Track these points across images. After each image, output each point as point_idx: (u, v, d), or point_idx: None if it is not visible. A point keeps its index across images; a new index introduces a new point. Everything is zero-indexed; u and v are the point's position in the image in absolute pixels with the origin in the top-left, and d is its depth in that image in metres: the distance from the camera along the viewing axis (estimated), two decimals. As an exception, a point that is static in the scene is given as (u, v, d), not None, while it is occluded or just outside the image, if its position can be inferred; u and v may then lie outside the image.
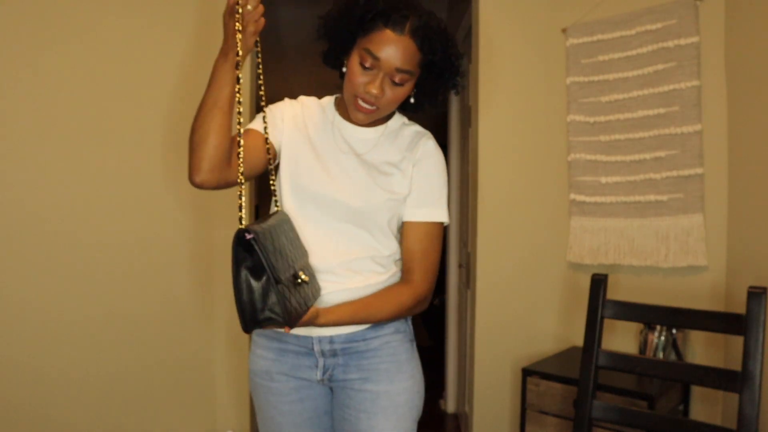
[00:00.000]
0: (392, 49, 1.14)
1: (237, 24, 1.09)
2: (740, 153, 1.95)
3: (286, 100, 1.31)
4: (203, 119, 1.12)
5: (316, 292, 1.16)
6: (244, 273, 1.00)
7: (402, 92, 1.20)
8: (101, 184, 2.08)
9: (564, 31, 2.36)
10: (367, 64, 1.15)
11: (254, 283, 1.00)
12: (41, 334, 1.95)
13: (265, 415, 1.30)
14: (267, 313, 1.00)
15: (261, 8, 1.11)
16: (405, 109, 1.31)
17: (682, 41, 2.06)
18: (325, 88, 1.40)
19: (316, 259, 1.21)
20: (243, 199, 1.04)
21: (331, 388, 1.30)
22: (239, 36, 1.09)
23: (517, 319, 2.46)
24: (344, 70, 1.23)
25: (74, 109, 2.02)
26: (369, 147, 1.28)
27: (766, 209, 1.79)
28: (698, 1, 2.04)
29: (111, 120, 2.11)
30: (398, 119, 1.34)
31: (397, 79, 1.17)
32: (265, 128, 1.24)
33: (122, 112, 2.14)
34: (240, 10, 1.08)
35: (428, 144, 1.29)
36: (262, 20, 1.13)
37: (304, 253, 1.17)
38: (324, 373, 1.25)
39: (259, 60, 1.24)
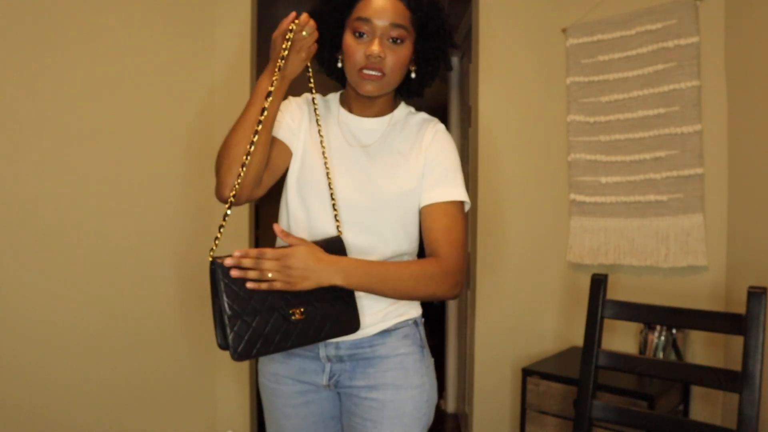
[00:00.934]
0: (380, 7, 1.15)
1: (284, 50, 1.10)
2: (740, 153, 1.95)
3: (291, 98, 1.30)
4: (245, 135, 1.12)
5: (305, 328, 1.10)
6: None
7: (403, 53, 1.17)
8: (100, 187, 2.07)
9: (564, 31, 2.36)
10: (361, 30, 1.15)
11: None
12: (41, 335, 1.95)
13: (271, 417, 1.30)
14: (220, 340, 1.09)
15: (315, 35, 1.12)
16: (410, 91, 1.29)
17: (682, 41, 2.06)
18: (326, 88, 1.39)
19: None
20: (226, 221, 1.11)
21: (338, 394, 1.27)
22: (280, 63, 1.11)
23: (517, 319, 2.46)
24: (339, 65, 1.23)
25: (72, 113, 2.02)
26: (376, 137, 1.25)
27: (766, 209, 1.79)
28: (698, 1, 2.04)
29: (109, 123, 2.11)
30: (404, 109, 1.31)
31: (394, 35, 1.15)
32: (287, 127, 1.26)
33: (121, 115, 2.14)
34: (291, 36, 1.09)
35: (438, 127, 1.26)
36: (315, 46, 1.14)
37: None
38: (330, 378, 1.23)
39: (311, 84, 1.26)
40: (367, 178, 1.21)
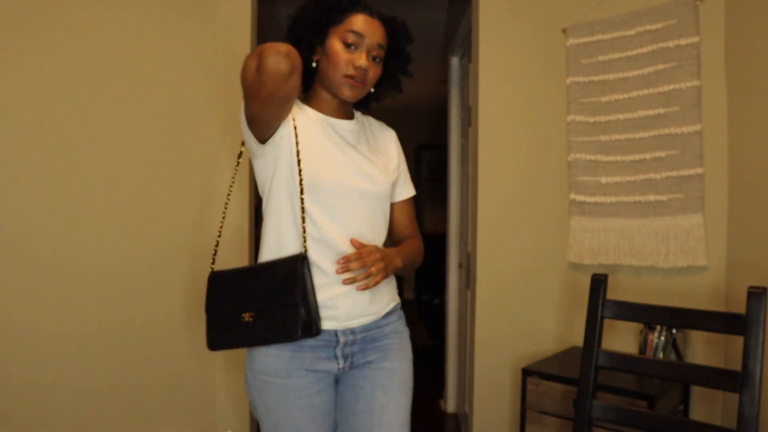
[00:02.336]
0: (372, 27, 1.31)
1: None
2: (740, 153, 1.95)
3: None
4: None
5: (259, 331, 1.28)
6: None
7: (378, 70, 1.34)
8: (97, 195, 2.07)
9: (564, 31, 2.36)
10: (350, 41, 1.29)
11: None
12: (41, 339, 1.95)
13: (279, 414, 1.29)
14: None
15: None
16: (361, 103, 1.44)
17: (682, 41, 2.06)
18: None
19: (335, 252, 1.28)
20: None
21: (336, 379, 1.35)
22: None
23: (517, 319, 2.46)
24: (314, 65, 1.34)
25: (72, 116, 2.01)
26: (356, 138, 1.39)
27: (766, 209, 1.79)
28: (698, 1, 2.04)
29: (109, 124, 2.11)
30: (358, 114, 1.46)
31: (376, 54, 1.32)
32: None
33: (121, 116, 2.14)
34: None
35: (392, 131, 1.51)
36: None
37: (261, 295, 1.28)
38: (345, 362, 1.32)
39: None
40: (370, 174, 1.34)
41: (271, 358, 1.29)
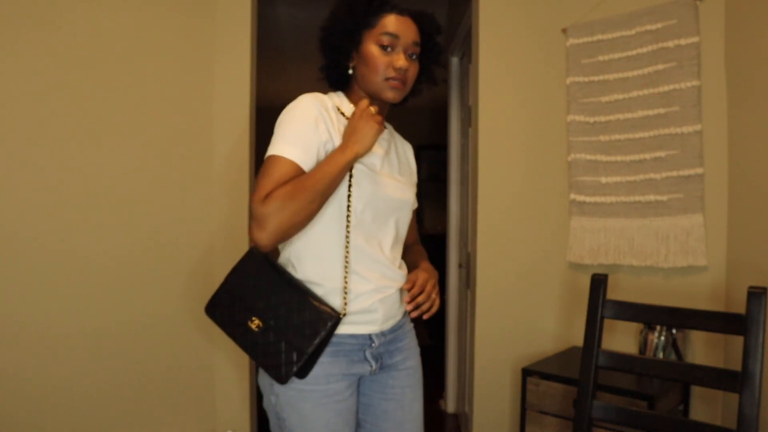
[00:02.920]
0: (405, 26, 1.29)
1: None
2: (740, 153, 1.95)
3: (307, 110, 1.24)
4: (309, 206, 1.17)
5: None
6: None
7: (417, 68, 1.33)
8: (96, 194, 2.07)
9: (564, 31, 2.36)
10: (387, 43, 1.27)
11: None
12: (42, 340, 1.95)
13: (316, 423, 1.25)
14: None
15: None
16: (401, 101, 1.39)
17: (682, 41, 2.06)
18: (325, 88, 1.39)
19: (374, 261, 1.30)
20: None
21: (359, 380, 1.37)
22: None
23: (517, 319, 2.46)
24: (350, 72, 1.32)
25: (73, 115, 2.01)
26: (388, 145, 1.39)
27: (766, 209, 1.79)
28: (698, 1, 2.04)
29: (110, 126, 2.10)
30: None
31: (412, 52, 1.30)
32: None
33: (121, 117, 2.14)
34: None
35: (410, 145, 1.53)
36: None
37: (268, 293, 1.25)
38: (376, 363, 1.33)
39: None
40: (401, 185, 1.37)
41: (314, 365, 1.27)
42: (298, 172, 1.18)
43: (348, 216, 1.25)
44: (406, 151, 1.48)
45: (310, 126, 1.21)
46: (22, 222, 1.90)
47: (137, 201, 2.17)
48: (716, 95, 2.03)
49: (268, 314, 1.22)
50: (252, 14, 2.46)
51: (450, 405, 3.41)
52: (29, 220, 1.92)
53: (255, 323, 1.23)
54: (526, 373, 2.11)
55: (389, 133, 1.42)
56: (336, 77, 1.36)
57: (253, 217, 1.14)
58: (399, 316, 1.38)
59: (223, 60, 2.42)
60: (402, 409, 1.38)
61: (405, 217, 1.39)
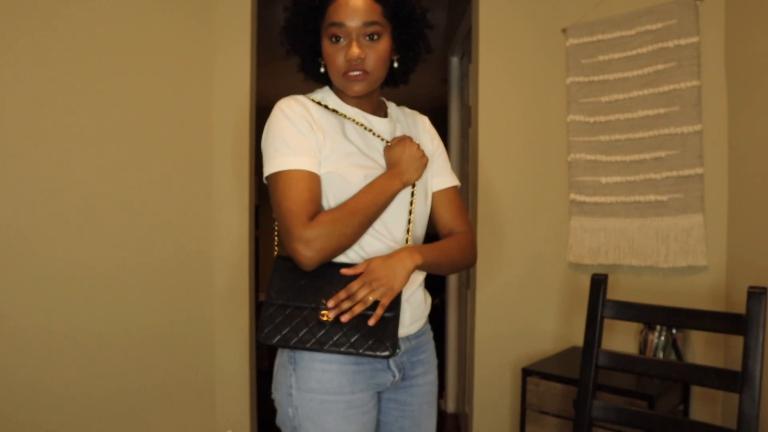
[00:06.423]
0: (350, 9, 1.15)
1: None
2: (740, 153, 1.95)
3: (291, 116, 1.18)
4: (359, 230, 1.14)
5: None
6: None
7: (382, 48, 1.18)
8: (97, 196, 2.07)
9: (564, 31, 2.36)
10: (337, 34, 1.16)
11: None
12: (42, 341, 1.95)
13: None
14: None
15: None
16: (395, 80, 1.31)
17: (682, 41, 2.06)
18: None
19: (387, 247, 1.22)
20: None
21: (378, 393, 1.28)
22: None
23: (517, 319, 2.46)
24: (322, 70, 1.24)
25: (74, 115, 2.01)
26: (393, 135, 1.29)
27: (766, 209, 1.79)
28: (698, 1, 2.04)
29: (110, 126, 2.10)
30: (391, 105, 1.36)
31: (369, 32, 1.16)
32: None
33: (122, 118, 2.14)
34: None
35: (425, 118, 1.40)
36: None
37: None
38: (399, 373, 1.26)
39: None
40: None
41: (333, 374, 1.17)
42: (315, 180, 1.15)
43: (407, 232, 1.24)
44: (417, 131, 1.35)
45: (301, 130, 1.16)
46: (23, 226, 1.90)
47: (137, 203, 2.17)
48: (716, 95, 2.03)
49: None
50: (252, 14, 2.46)
51: (450, 405, 3.41)
52: (31, 222, 1.91)
53: (326, 316, 1.13)
54: (526, 372, 2.11)
55: (392, 123, 1.30)
56: (313, 77, 1.29)
57: (295, 238, 1.09)
58: (424, 318, 1.31)
59: (223, 60, 2.42)
60: (418, 426, 1.31)
61: (403, 204, 1.26)
